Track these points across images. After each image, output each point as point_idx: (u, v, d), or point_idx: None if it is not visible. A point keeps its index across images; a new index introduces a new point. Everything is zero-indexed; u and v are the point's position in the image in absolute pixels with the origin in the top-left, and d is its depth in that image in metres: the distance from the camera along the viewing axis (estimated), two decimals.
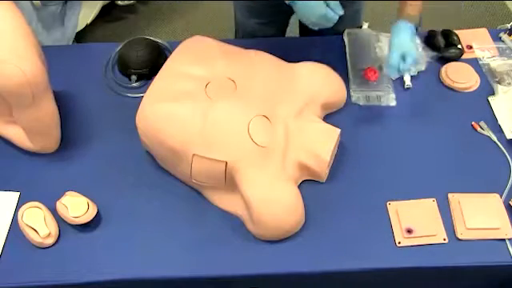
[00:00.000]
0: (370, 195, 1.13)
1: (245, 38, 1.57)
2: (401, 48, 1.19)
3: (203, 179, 1.09)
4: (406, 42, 1.19)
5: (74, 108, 1.29)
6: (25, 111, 1.09)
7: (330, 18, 1.11)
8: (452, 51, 1.35)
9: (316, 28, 1.15)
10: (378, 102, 1.28)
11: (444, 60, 1.35)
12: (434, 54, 1.36)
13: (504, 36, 1.40)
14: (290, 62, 1.24)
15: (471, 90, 1.30)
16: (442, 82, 1.32)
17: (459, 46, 1.36)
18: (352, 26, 1.44)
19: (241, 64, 1.16)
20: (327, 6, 1.10)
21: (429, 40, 1.38)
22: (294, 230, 1.07)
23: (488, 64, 1.35)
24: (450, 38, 1.38)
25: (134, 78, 1.34)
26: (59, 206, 1.08)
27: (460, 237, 1.06)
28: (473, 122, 1.24)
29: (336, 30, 1.31)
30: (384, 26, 1.61)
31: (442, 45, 1.36)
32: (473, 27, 1.45)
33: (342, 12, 1.13)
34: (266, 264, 1.04)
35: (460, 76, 1.31)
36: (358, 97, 1.29)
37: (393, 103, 1.28)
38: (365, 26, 1.41)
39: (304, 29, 1.52)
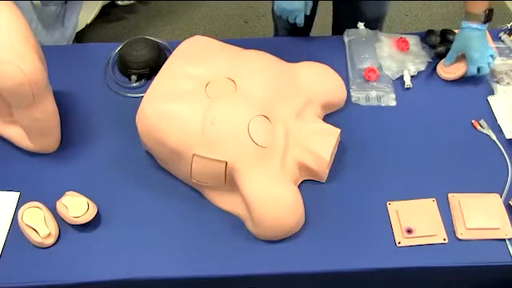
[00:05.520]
0: (369, 195, 1.13)
1: (282, 32, 1.69)
2: (476, 63, 1.24)
3: (203, 179, 1.09)
4: (480, 55, 1.23)
5: (74, 108, 1.29)
6: (25, 111, 1.09)
7: (300, 15, 1.31)
8: (449, 48, 1.35)
9: (287, 19, 1.33)
10: (378, 102, 1.29)
11: (441, 58, 1.35)
12: (434, 53, 1.36)
13: (504, 36, 1.40)
14: (289, 62, 1.24)
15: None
16: (438, 77, 1.33)
17: None
18: (379, 16, 1.53)
19: (241, 64, 1.16)
20: (305, 5, 1.29)
21: (426, 39, 1.38)
22: (294, 230, 1.07)
23: None
24: (450, 38, 1.38)
25: (133, 78, 1.34)
26: (59, 205, 1.08)
27: (460, 237, 1.06)
28: (473, 121, 1.24)
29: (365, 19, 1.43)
30: (385, 25, 1.62)
31: (437, 42, 1.36)
32: None
33: (308, 13, 1.32)
34: (266, 264, 1.04)
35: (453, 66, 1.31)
36: (358, 97, 1.29)
37: (393, 103, 1.28)
38: (361, 26, 1.41)
39: (337, 28, 1.56)
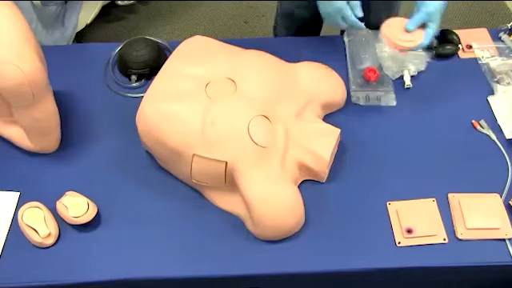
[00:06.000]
0: (369, 195, 1.13)
1: (283, 19, 1.63)
2: (433, 33, 1.18)
3: (203, 179, 1.09)
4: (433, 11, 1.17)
5: (74, 108, 1.29)
6: (25, 111, 1.09)
7: (346, 15, 1.18)
8: (448, 47, 1.35)
9: (331, 25, 1.23)
10: (378, 102, 1.28)
11: (440, 58, 1.35)
12: (434, 54, 1.36)
13: (504, 36, 1.40)
14: (290, 62, 1.24)
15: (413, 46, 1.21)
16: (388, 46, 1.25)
17: (455, 44, 1.36)
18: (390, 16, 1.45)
19: (241, 64, 1.16)
20: (348, 4, 1.18)
21: None
22: (294, 230, 1.07)
23: (487, 64, 1.35)
24: (449, 38, 1.38)
25: (133, 78, 1.34)
26: (59, 205, 1.08)
27: (460, 237, 1.06)
28: (473, 121, 1.24)
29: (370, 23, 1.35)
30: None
31: (434, 44, 1.36)
32: (473, 27, 1.45)
33: (360, 14, 1.19)
34: (266, 264, 1.04)
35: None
36: (358, 97, 1.29)
37: (393, 103, 1.28)
38: None
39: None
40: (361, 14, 1.20)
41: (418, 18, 1.19)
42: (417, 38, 1.20)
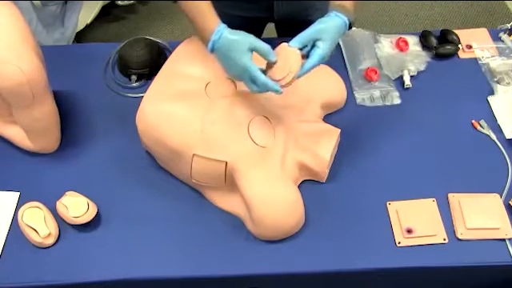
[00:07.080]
0: (369, 195, 1.13)
1: None
2: (321, 58, 1.00)
3: (203, 179, 1.09)
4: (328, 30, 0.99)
5: (74, 108, 1.29)
6: (24, 111, 1.09)
7: (254, 76, 0.97)
8: (448, 47, 1.35)
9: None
10: (383, 101, 1.28)
11: (440, 58, 1.35)
12: (434, 53, 1.36)
13: (504, 36, 1.40)
14: None
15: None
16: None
17: (455, 44, 1.37)
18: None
19: None
20: (252, 61, 0.96)
21: (422, 40, 1.38)
22: (294, 230, 1.07)
23: (487, 64, 1.35)
24: (449, 38, 1.38)
25: (133, 77, 1.33)
26: (59, 205, 1.08)
27: (460, 237, 1.06)
28: (473, 121, 1.24)
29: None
30: (381, 25, 1.62)
31: (434, 44, 1.36)
32: (472, 27, 1.45)
33: (274, 58, 0.99)
34: (266, 264, 1.04)
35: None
36: (364, 98, 1.29)
37: (398, 101, 1.28)
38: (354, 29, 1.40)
39: (281, 31, 1.52)
40: (274, 59, 0.98)
41: (303, 35, 0.99)
42: (292, 69, 0.98)
